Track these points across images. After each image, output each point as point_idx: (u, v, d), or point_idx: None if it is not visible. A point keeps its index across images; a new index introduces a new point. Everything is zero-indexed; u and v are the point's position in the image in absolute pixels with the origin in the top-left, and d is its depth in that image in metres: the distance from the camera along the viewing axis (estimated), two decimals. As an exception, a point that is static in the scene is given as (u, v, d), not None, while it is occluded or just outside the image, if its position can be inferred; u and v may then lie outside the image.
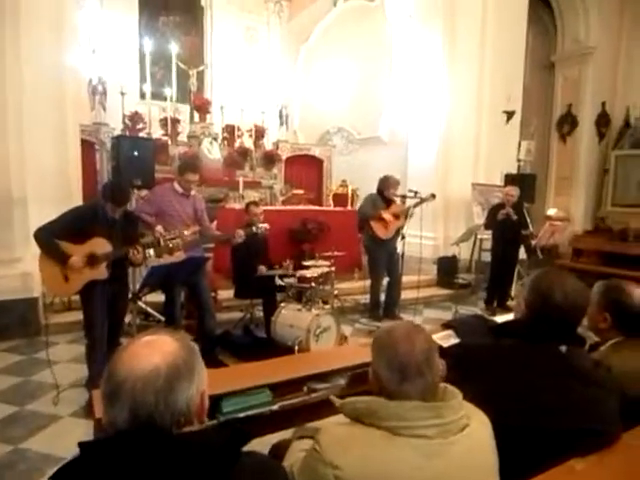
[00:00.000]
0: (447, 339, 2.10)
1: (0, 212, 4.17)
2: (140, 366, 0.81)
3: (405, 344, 1.06)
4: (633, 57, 8.72)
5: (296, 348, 3.60)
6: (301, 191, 7.93)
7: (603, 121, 8.93)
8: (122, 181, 4.06)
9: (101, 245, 2.96)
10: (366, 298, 5.34)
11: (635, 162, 8.47)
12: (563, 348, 1.36)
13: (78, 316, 3.29)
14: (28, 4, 4.31)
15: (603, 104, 8.86)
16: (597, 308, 1.68)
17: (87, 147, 6.16)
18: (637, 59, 8.69)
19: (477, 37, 7.08)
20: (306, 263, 4.45)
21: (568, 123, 9.05)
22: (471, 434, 1.05)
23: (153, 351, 0.84)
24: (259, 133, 8.29)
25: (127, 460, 0.75)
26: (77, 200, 4.77)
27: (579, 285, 1.41)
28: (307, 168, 8.90)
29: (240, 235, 3.88)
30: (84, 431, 2.63)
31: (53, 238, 2.93)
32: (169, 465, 0.76)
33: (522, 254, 6.03)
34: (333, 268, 4.49)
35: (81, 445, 0.80)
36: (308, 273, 4.16)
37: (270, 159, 8.20)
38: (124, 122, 6.99)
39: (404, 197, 5.38)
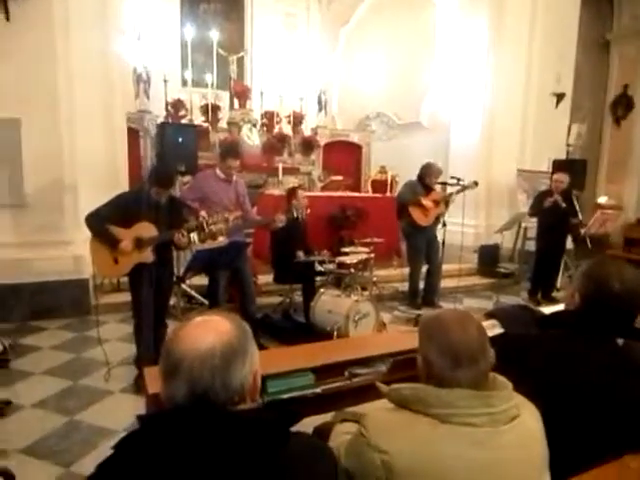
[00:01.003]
0: (491, 329, 2.04)
1: (53, 197, 4.37)
2: (196, 345, 0.84)
3: (458, 329, 1.04)
4: (697, 33, 8.12)
5: (335, 334, 3.62)
6: (339, 177, 7.88)
7: (662, 102, 8.38)
8: (167, 164, 4.15)
9: (147, 229, 3.05)
10: (405, 285, 5.29)
11: (696, 146, 7.95)
12: (620, 341, 1.30)
13: (126, 297, 3.42)
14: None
15: (663, 84, 8.31)
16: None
17: (131, 134, 6.33)
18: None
19: (526, 15, 6.76)
20: (345, 249, 4.45)
21: (623, 105, 8.55)
22: (521, 425, 1.02)
23: (208, 331, 0.87)
24: (297, 119, 8.29)
25: (185, 433, 0.78)
26: (124, 186, 4.94)
27: (637, 273, 1.34)
28: (346, 154, 8.84)
29: (281, 219, 3.90)
30: (134, 406, 2.76)
31: (103, 223, 3.04)
32: (223, 440, 0.79)
33: (569, 244, 5.79)
34: (372, 255, 4.47)
35: (141, 418, 0.84)
36: (347, 259, 4.16)
37: (308, 145, 8.20)
38: (167, 109, 7.14)
39: (445, 184, 5.26)
